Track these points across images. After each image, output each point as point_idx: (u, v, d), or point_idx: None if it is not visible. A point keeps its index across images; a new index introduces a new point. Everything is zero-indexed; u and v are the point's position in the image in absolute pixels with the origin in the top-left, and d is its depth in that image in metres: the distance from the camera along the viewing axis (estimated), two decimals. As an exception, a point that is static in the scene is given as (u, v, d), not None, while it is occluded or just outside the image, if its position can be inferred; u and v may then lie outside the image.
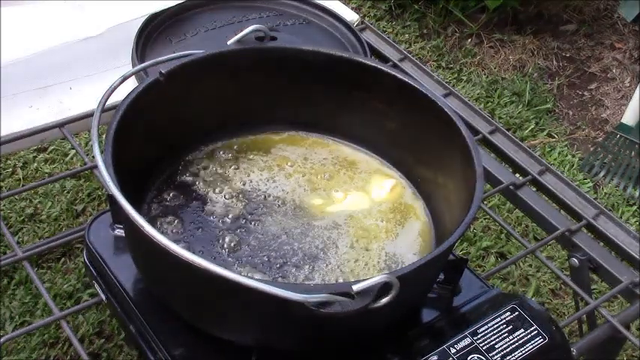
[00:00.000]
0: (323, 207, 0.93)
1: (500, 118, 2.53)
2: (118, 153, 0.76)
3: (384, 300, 0.66)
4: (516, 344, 0.81)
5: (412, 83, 0.93)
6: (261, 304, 0.70)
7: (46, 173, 2.06)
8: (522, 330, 0.83)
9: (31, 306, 1.75)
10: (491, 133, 1.27)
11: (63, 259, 1.87)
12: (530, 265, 2.05)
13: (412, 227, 0.93)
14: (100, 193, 2.03)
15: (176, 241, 0.81)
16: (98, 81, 1.23)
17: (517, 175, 1.23)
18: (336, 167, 0.99)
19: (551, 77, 2.84)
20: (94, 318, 1.73)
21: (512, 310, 0.85)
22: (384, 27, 2.89)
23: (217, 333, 0.78)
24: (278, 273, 0.83)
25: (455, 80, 2.71)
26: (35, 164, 2.09)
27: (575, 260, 1.10)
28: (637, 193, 2.35)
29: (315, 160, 1.00)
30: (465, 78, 2.72)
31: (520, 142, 1.26)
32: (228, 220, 0.89)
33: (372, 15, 2.95)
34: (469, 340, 0.81)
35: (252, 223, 0.89)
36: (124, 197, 0.70)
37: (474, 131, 1.25)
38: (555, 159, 2.43)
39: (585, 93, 2.80)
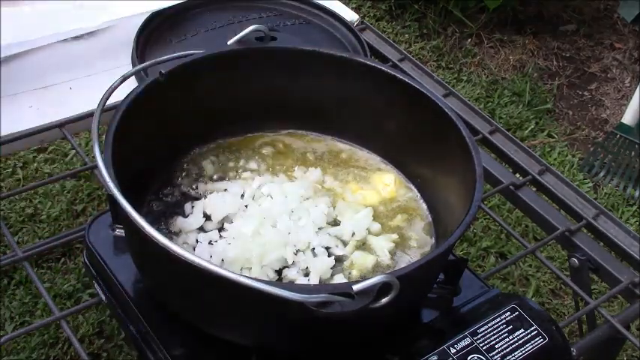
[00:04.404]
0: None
1: (500, 118, 2.53)
2: (118, 153, 0.76)
3: (384, 300, 0.66)
4: (516, 344, 0.81)
5: (412, 83, 0.93)
6: (261, 304, 0.70)
7: (46, 173, 2.06)
8: (522, 330, 0.83)
9: (31, 306, 1.75)
10: (491, 133, 1.27)
11: (63, 259, 1.87)
12: (530, 265, 2.05)
13: (412, 227, 0.93)
14: (100, 193, 2.03)
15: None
16: (98, 81, 1.23)
17: (517, 175, 1.23)
18: (337, 165, 1.00)
19: (551, 77, 2.84)
20: (94, 318, 1.73)
21: (512, 310, 0.85)
22: (383, 27, 2.89)
23: (217, 333, 0.78)
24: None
25: (455, 80, 2.71)
26: (35, 164, 2.09)
27: (575, 260, 1.10)
28: (637, 193, 2.34)
29: (315, 159, 1.00)
30: (465, 78, 2.72)
31: (520, 142, 1.26)
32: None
33: (372, 15, 2.96)
34: (469, 340, 0.81)
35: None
36: (124, 197, 0.70)
37: (474, 131, 1.25)
38: (555, 159, 2.43)
39: (585, 93, 2.80)
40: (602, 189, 2.36)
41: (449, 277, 0.87)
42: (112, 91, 0.84)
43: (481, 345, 0.81)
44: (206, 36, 1.24)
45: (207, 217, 0.89)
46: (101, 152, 0.75)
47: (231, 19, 1.28)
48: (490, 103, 2.61)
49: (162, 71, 0.87)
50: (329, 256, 0.86)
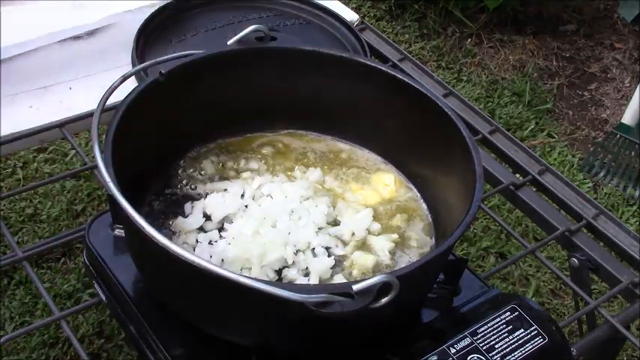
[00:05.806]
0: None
1: (500, 118, 2.53)
2: (118, 153, 0.76)
3: (384, 300, 0.66)
4: (516, 344, 0.81)
5: (412, 83, 0.93)
6: (261, 304, 0.70)
7: (46, 173, 2.06)
8: (522, 330, 0.83)
9: (31, 306, 1.75)
10: (491, 133, 1.27)
11: (63, 259, 1.87)
12: (530, 265, 2.05)
13: (412, 227, 0.93)
14: (100, 193, 2.03)
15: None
16: (98, 81, 1.23)
17: (517, 175, 1.23)
18: (337, 165, 1.00)
19: (551, 77, 2.84)
20: (94, 318, 1.73)
21: (512, 310, 0.85)
22: (383, 27, 2.89)
23: (217, 333, 0.78)
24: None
25: (455, 80, 2.71)
26: (35, 164, 2.09)
27: (575, 260, 1.10)
28: (637, 193, 2.34)
29: (315, 159, 1.00)
30: (465, 78, 2.72)
31: (520, 142, 1.26)
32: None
33: (372, 15, 2.95)
34: (469, 340, 0.81)
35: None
36: (124, 197, 0.70)
37: (474, 131, 1.25)
38: (555, 159, 2.43)
39: (585, 93, 2.80)
40: (602, 189, 2.36)
41: (449, 277, 0.87)
42: (112, 91, 0.84)
43: (481, 345, 0.81)
44: (206, 36, 1.24)
45: (207, 217, 0.89)
46: (101, 152, 0.75)
47: (231, 19, 1.28)
48: (490, 103, 2.61)
49: (162, 71, 0.87)
50: (329, 256, 0.86)
